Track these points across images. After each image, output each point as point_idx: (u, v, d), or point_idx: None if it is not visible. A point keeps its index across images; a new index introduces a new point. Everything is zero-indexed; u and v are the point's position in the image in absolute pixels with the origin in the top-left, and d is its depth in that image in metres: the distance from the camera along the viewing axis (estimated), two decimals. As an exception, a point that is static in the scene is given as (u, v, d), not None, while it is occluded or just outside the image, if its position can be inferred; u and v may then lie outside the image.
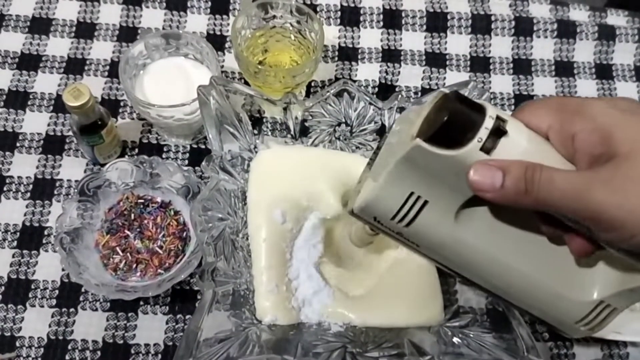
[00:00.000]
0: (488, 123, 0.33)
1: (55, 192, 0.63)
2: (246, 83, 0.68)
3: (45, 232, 0.62)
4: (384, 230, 0.40)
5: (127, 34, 0.73)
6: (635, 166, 0.30)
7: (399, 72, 0.73)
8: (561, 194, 0.31)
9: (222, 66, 0.72)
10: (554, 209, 0.32)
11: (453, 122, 0.33)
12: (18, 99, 0.68)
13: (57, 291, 0.59)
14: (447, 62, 0.75)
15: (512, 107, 0.73)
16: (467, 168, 0.33)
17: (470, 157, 0.33)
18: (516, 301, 0.40)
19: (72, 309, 0.58)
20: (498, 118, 0.33)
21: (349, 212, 0.41)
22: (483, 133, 0.32)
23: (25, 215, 0.62)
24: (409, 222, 0.37)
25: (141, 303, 0.59)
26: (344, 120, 0.58)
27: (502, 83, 0.74)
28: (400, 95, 0.56)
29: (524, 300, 0.39)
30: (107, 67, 0.70)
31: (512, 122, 0.34)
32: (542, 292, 0.38)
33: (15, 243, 0.61)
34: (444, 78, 0.74)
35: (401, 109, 0.57)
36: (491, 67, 0.75)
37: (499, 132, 0.33)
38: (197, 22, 0.74)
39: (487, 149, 0.33)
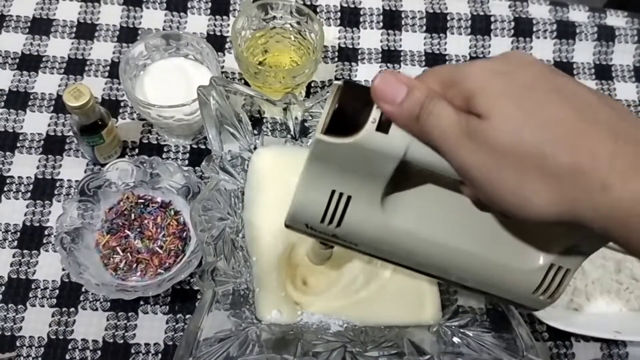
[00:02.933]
0: None
1: (56, 192, 0.64)
2: (246, 83, 0.68)
3: (46, 232, 0.62)
4: (320, 236, 0.39)
5: (128, 34, 0.73)
6: (493, 128, 0.29)
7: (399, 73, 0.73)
8: (439, 134, 0.31)
9: (222, 67, 0.72)
10: (433, 146, 0.32)
11: (344, 108, 0.33)
12: (18, 99, 0.68)
13: (57, 291, 0.59)
14: (447, 63, 0.75)
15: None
16: (370, 152, 0.33)
17: (369, 140, 0.33)
18: (469, 282, 0.39)
19: (72, 309, 0.59)
20: None
21: (285, 226, 0.40)
22: (376, 113, 0.32)
23: (25, 215, 0.62)
24: (339, 221, 0.37)
25: (141, 303, 0.59)
26: (343, 120, 0.58)
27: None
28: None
29: (475, 279, 0.38)
30: (108, 68, 0.71)
31: None
32: (489, 267, 0.37)
33: (15, 243, 0.61)
34: (444, 78, 0.74)
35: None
36: (491, 67, 0.75)
37: None
38: (197, 22, 0.74)
39: (384, 127, 0.32)
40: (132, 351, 0.57)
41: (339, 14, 0.76)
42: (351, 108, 0.33)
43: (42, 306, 0.59)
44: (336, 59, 0.74)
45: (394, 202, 0.36)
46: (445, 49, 0.75)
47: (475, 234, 0.37)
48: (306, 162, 0.36)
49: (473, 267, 0.37)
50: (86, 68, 0.70)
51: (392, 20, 0.76)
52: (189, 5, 0.75)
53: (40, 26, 0.72)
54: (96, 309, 0.59)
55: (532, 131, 0.28)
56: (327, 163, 0.35)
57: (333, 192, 0.36)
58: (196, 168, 0.66)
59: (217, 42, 0.73)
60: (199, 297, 0.60)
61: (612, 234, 0.29)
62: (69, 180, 0.64)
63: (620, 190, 0.27)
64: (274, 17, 0.67)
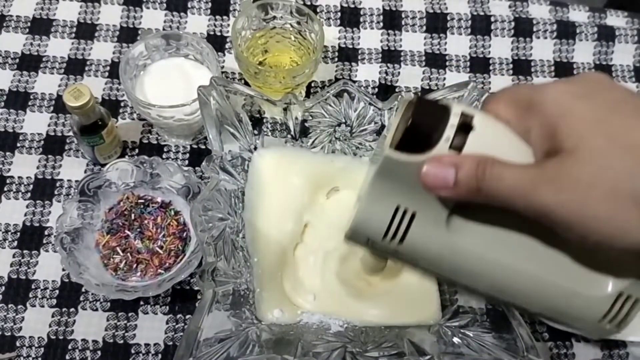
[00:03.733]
0: (453, 120, 0.32)
1: (56, 192, 0.63)
2: (246, 83, 0.68)
3: (46, 232, 0.62)
4: (380, 250, 0.38)
5: (128, 34, 0.73)
6: (579, 164, 0.28)
7: (399, 73, 0.74)
8: (509, 192, 0.30)
9: (222, 67, 0.72)
10: (506, 205, 0.31)
11: (418, 125, 0.32)
12: (18, 100, 0.68)
13: (57, 291, 0.59)
14: (447, 63, 0.75)
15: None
16: None
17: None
18: (531, 306, 0.38)
19: (72, 309, 0.58)
20: (463, 114, 0.32)
21: (345, 238, 0.39)
22: (450, 131, 0.32)
23: (25, 215, 0.62)
24: (401, 238, 0.36)
25: (141, 303, 0.59)
26: (344, 120, 0.58)
27: (502, 84, 0.74)
28: (400, 96, 0.56)
29: (538, 303, 0.37)
30: (108, 68, 0.71)
31: (480, 116, 0.33)
32: (555, 291, 0.36)
33: (15, 243, 0.61)
34: (444, 79, 0.74)
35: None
36: (491, 67, 0.75)
37: (466, 127, 0.32)
38: (198, 22, 0.74)
39: (456, 146, 0.32)
40: (132, 351, 0.57)
41: (339, 14, 0.76)
42: (425, 125, 0.32)
43: (42, 306, 0.58)
44: (336, 59, 0.74)
45: (460, 221, 0.35)
46: (445, 49, 0.75)
47: (543, 257, 0.36)
48: (372, 176, 0.35)
49: (538, 291, 0.36)
50: (86, 68, 0.70)
51: (392, 20, 0.76)
52: (189, 5, 0.75)
53: (40, 26, 0.72)
54: (96, 309, 0.59)
55: (620, 157, 0.28)
56: (394, 178, 0.34)
57: (398, 207, 0.35)
58: (196, 168, 0.66)
59: (217, 42, 0.73)
60: (199, 297, 0.60)
61: None
62: (69, 180, 0.64)
63: None
64: (274, 17, 0.66)
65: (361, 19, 0.76)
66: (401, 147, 0.33)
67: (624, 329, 0.37)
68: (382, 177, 0.35)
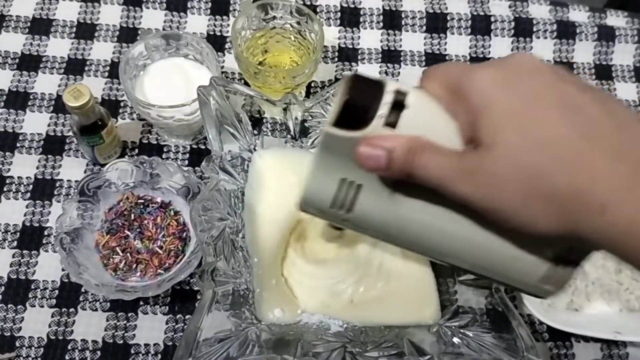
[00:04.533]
0: (387, 98, 0.33)
1: (55, 193, 0.63)
2: (246, 83, 0.68)
3: (45, 232, 0.62)
4: (332, 219, 0.40)
5: (127, 34, 0.73)
6: (494, 160, 0.29)
7: (399, 73, 0.73)
8: (436, 180, 0.32)
9: (222, 67, 0.72)
10: (435, 189, 0.32)
11: (353, 102, 0.33)
12: (18, 100, 0.68)
13: (57, 291, 0.59)
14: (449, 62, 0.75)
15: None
16: None
17: (376, 135, 0.33)
18: (473, 268, 0.39)
19: (72, 309, 0.58)
20: (398, 92, 0.33)
21: (298, 208, 0.41)
22: (383, 109, 0.32)
23: (25, 215, 0.62)
24: (349, 208, 0.37)
25: (141, 303, 0.59)
26: (343, 120, 0.58)
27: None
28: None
29: (483, 267, 0.38)
30: (107, 68, 0.71)
31: (414, 94, 0.33)
32: (496, 256, 0.37)
33: (15, 243, 0.61)
34: (444, 79, 0.74)
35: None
36: (491, 67, 0.75)
37: (399, 105, 0.33)
38: (197, 22, 0.74)
39: (390, 124, 0.33)
40: (132, 352, 0.57)
41: (339, 14, 0.76)
42: (360, 102, 0.33)
43: (42, 306, 0.58)
44: (336, 59, 0.74)
45: (406, 189, 0.36)
46: (445, 49, 0.75)
47: (484, 227, 0.36)
48: (317, 151, 0.36)
49: (480, 256, 0.37)
50: (86, 68, 0.70)
51: (392, 20, 0.76)
52: (188, 5, 0.75)
53: (40, 26, 0.72)
54: (96, 310, 0.59)
55: (531, 154, 0.29)
56: (336, 153, 0.35)
57: (343, 180, 0.36)
58: (196, 168, 0.66)
59: (217, 42, 0.73)
60: (198, 297, 0.60)
61: (617, 253, 0.29)
62: (68, 180, 0.64)
63: (617, 211, 0.28)
64: (274, 17, 0.66)
65: (361, 19, 0.76)
66: (340, 123, 0.33)
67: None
68: (325, 152, 0.36)
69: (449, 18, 0.76)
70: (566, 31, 0.77)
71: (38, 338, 0.57)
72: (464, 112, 0.32)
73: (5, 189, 0.63)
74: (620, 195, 0.28)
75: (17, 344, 0.57)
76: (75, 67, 0.70)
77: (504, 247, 0.36)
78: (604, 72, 0.76)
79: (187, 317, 0.59)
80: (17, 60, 0.70)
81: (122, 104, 0.69)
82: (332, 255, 0.55)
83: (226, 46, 0.73)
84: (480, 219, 0.35)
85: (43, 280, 0.60)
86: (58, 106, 0.68)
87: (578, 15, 0.78)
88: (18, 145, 0.66)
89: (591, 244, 0.30)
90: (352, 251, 0.55)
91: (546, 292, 0.38)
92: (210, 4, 0.75)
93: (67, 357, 0.57)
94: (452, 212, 0.36)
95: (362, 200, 0.37)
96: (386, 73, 0.73)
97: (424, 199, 0.36)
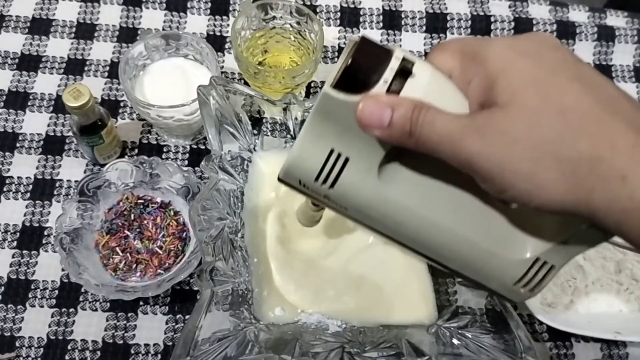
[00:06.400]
0: (394, 64, 0.32)
1: (55, 193, 0.64)
2: (246, 83, 0.68)
3: (45, 232, 0.62)
4: (311, 195, 0.38)
5: (127, 34, 0.73)
6: (508, 118, 0.29)
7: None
8: (438, 139, 0.30)
9: (222, 67, 0.72)
10: (434, 153, 0.31)
11: (358, 64, 0.32)
12: (18, 100, 0.68)
13: (57, 291, 0.59)
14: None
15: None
16: None
17: None
18: (449, 262, 0.38)
19: (72, 309, 0.59)
20: (404, 59, 0.32)
21: (278, 179, 0.39)
22: (389, 74, 0.31)
23: (25, 215, 0.62)
24: (333, 182, 0.36)
25: (141, 303, 0.59)
26: (343, 120, 0.58)
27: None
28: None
29: (459, 261, 0.37)
30: (107, 68, 0.71)
31: (420, 64, 0.32)
32: (475, 251, 0.36)
33: (15, 243, 0.61)
34: (444, 79, 0.74)
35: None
36: (491, 67, 0.75)
37: (405, 73, 0.32)
38: (197, 22, 0.74)
39: (394, 90, 0.31)
40: (132, 352, 0.57)
41: (339, 14, 0.76)
42: (365, 65, 0.32)
43: (42, 307, 0.59)
44: (336, 59, 0.74)
45: (392, 172, 0.35)
46: (445, 49, 0.75)
47: (468, 217, 0.36)
48: (310, 115, 0.35)
49: (459, 250, 0.37)
50: (86, 68, 0.70)
51: (392, 20, 0.76)
52: (188, 6, 0.75)
53: (40, 26, 0.72)
54: (96, 310, 0.59)
55: (550, 117, 0.28)
56: (331, 120, 0.34)
57: (332, 151, 0.35)
58: (196, 168, 0.66)
59: (217, 42, 0.73)
60: (198, 297, 0.60)
61: (625, 228, 0.28)
62: (68, 180, 0.64)
63: (639, 183, 0.27)
64: (274, 17, 0.66)
65: (361, 19, 0.76)
66: (341, 85, 0.32)
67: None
68: (319, 117, 0.34)
69: (449, 18, 0.76)
70: (566, 31, 0.77)
71: (38, 338, 0.57)
72: (480, 78, 0.31)
73: (5, 189, 0.63)
74: None
75: (17, 344, 0.57)
76: (75, 67, 0.70)
77: (485, 242, 0.36)
78: (603, 72, 0.76)
79: (187, 317, 0.59)
80: (16, 60, 0.70)
81: (121, 104, 0.69)
82: (323, 253, 0.55)
83: (226, 46, 0.73)
84: (475, 192, 0.35)
85: (43, 281, 0.60)
86: (58, 106, 0.68)
87: (578, 15, 0.78)
88: (18, 145, 0.66)
89: (597, 218, 0.29)
90: (344, 249, 0.55)
91: (519, 296, 0.37)
92: (210, 4, 0.75)
93: (67, 357, 0.57)
94: (441, 196, 0.35)
95: (348, 175, 0.35)
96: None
97: (412, 182, 0.35)
